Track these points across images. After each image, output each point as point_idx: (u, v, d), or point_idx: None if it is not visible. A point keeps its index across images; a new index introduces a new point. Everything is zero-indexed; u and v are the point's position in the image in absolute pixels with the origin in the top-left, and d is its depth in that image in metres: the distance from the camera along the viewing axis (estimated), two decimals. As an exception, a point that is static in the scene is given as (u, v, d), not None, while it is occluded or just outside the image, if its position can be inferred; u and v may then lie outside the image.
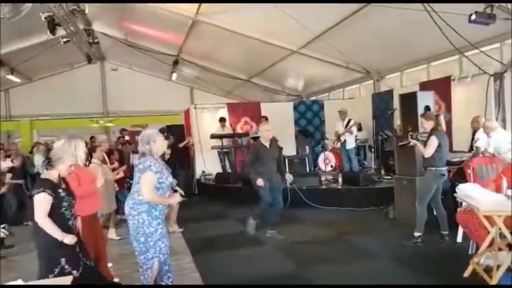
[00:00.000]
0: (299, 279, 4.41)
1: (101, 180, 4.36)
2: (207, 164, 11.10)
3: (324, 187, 8.47)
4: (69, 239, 3.10)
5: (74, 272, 3.10)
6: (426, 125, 5.26)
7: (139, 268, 3.61)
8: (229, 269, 4.87)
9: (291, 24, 7.93)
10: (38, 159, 9.14)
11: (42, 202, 3.04)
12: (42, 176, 3.20)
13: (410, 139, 5.45)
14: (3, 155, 8.96)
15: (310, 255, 5.19)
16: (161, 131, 13.60)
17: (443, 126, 6.77)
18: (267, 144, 5.87)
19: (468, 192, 4.07)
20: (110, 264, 4.85)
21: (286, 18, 7.59)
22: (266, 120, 10.24)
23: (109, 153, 7.58)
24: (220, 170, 10.75)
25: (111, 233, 6.46)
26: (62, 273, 3.03)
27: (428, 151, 5.04)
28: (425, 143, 5.15)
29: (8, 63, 12.45)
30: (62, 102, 15.32)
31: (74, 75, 15.66)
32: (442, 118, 7.00)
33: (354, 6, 7.41)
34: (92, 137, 10.10)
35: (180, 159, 10.56)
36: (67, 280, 2.70)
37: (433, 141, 5.03)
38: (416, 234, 5.14)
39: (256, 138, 8.49)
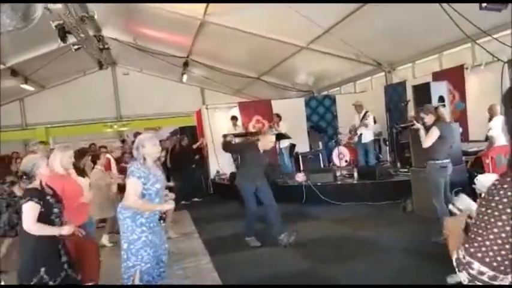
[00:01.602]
0: (316, 278, 4.39)
1: (88, 196, 4.32)
2: (221, 163, 11.13)
3: (339, 183, 8.41)
4: (66, 230, 3.14)
5: (51, 282, 3.09)
6: (427, 119, 5.04)
7: (122, 276, 3.49)
8: (247, 269, 4.88)
9: (299, 21, 7.88)
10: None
11: (30, 210, 3.05)
12: (30, 186, 3.20)
13: (414, 121, 5.24)
14: (16, 166, 9.11)
15: (328, 253, 5.16)
16: (173, 133, 13.78)
17: (446, 117, 6.63)
18: (262, 149, 5.68)
19: (488, 183, 3.98)
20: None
21: (294, 14, 7.54)
22: (279, 117, 10.23)
23: (119, 160, 7.65)
24: (234, 170, 10.77)
25: (104, 239, 6.48)
26: (41, 283, 3.05)
27: (427, 142, 4.88)
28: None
29: (21, 73, 12.67)
30: (75, 109, 15.54)
31: (86, 81, 15.86)
32: (442, 109, 6.86)
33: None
34: (92, 144, 10.17)
35: (194, 160, 10.64)
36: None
37: (434, 132, 4.85)
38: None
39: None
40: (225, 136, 10.49)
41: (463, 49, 8.44)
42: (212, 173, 11.32)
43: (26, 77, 13.18)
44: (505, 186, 1.11)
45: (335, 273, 4.41)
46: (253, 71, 13.66)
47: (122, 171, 6.99)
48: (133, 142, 11.97)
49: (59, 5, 7.13)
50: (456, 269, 1.18)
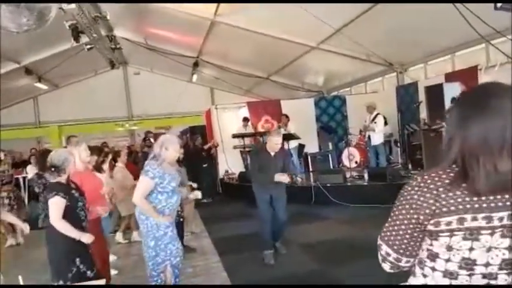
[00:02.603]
0: (326, 279, 4.38)
1: (106, 189, 4.38)
2: (230, 163, 11.17)
3: (348, 184, 8.36)
4: (86, 238, 3.18)
5: (89, 272, 3.16)
6: None
7: (149, 276, 3.56)
8: (256, 268, 4.88)
9: (309, 21, 7.86)
10: (32, 170, 9.26)
11: (56, 205, 3.10)
12: (54, 181, 3.25)
13: (444, 123, 5.19)
14: (35, 162, 9.24)
15: (337, 254, 5.14)
16: (184, 132, 13.82)
17: None
18: (272, 152, 5.05)
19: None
20: (115, 272, 4.94)
21: (305, 14, 7.53)
22: (287, 118, 10.22)
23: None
24: (243, 169, 10.80)
25: (119, 236, 6.55)
26: (78, 272, 3.10)
27: None
28: None
29: (35, 72, 12.86)
30: (88, 107, 15.73)
31: (98, 80, 16.03)
32: None
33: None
34: (103, 142, 10.28)
35: (204, 159, 10.67)
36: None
37: None
38: None
39: None
40: (234, 136, 10.55)
41: (476, 50, 8.34)
42: (221, 172, 11.36)
43: (40, 76, 13.39)
44: (411, 181, 1.29)
45: (345, 274, 4.40)
46: (262, 71, 13.67)
47: (132, 170, 7.05)
48: (144, 140, 12.11)
49: (73, 5, 7.23)
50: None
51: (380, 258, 1.36)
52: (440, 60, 9.55)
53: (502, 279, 1.19)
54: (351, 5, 7.58)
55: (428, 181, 1.22)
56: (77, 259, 3.13)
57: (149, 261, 3.50)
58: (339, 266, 4.66)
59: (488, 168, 1.13)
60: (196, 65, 13.33)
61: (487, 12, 5.75)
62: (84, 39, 9.16)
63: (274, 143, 5.00)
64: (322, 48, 10.07)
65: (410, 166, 8.84)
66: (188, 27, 10.46)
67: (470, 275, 1.19)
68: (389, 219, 1.33)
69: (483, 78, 8.00)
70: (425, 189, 1.22)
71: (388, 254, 1.32)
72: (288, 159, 5.48)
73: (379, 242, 1.36)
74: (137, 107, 16.93)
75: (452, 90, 6.45)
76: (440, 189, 1.19)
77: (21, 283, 2.38)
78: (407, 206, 1.26)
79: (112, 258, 5.29)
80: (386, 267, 1.36)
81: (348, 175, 8.75)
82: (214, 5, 8.70)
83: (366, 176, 8.38)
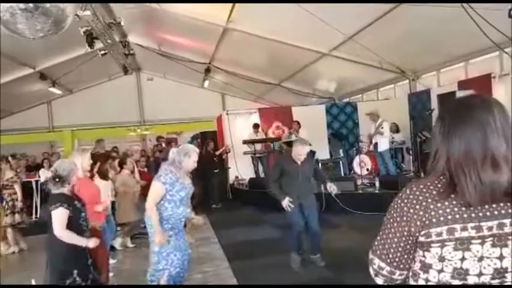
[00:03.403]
0: (336, 286, 4.35)
1: (107, 201, 4.42)
2: (240, 169, 11.17)
3: (359, 191, 8.30)
4: (92, 243, 3.21)
5: (83, 283, 3.19)
6: None
7: (148, 279, 3.57)
8: (266, 275, 4.86)
9: (322, 27, 7.86)
10: (44, 174, 9.30)
11: (60, 216, 3.12)
12: (54, 192, 3.26)
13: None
14: (48, 165, 9.37)
15: (349, 262, 5.09)
16: (195, 137, 13.88)
17: None
18: (299, 161, 4.83)
19: None
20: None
21: (317, 21, 7.54)
22: (298, 124, 10.21)
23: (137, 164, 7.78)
24: (253, 175, 10.79)
25: (128, 242, 6.59)
26: (74, 284, 3.13)
27: None
28: None
29: (50, 77, 13.06)
30: (100, 112, 15.88)
31: (111, 86, 16.21)
32: None
33: (387, 5, 7.27)
34: (114, 147, 10.36)
35: (215, 164, 10.69)
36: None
37: None
38: None
39: (289, 143, 8.38)
40: (245, 142, 10.56)
41: (490, 58, 8.25)
42: (231, 178, 11.37)
43: (54, 81, 13.58)
44: (400, 193, 1.29)
45: (355, 282, 4.35)
46: (274, 77, 13.69)
47: (141, 175, 7.10)
48: (156, 146, 12.21)
49: (88, 12, 7.34)
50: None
51: (372, 272, 1.35)
52: (453, 68, 9.46)
53: None
54: (363, 12, 7.57)
55: (417, 192, 1.24)
56: (75, 271, 3.15)
57: (151, 265, 3.52)
58: (350, 274, 4.62)
59: (474, 179, 1.15)
60: (208, 71, 13.42)
61: (501, 20, 5.70)
62: (98, 45, 9.29)
63: (299, 154, 4.77)
64: (334, 54, 10.06)
65: (422, 174, 8.74)
66: (200, 34, 10.54)
67: (463, 285, 1.20)
68: (381, 233, 1.33)
69: (497, 86, 7.92)
70: (414, 201, 1.23)
71: (381, 268, 1.31)
72: (315, 166, 5.27)
73: (371, 256, 1.35)
74: (149, 112, 17.06)
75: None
76: (429, 200, 1.21)
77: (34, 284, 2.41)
78: (398, 219, 1.27)
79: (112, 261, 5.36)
80: (379, 281, 1.35)
81: (359, 182, 8.69)
82: (227, 11, 8.75)
83: (377, 183, 8.31)
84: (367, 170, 9.87)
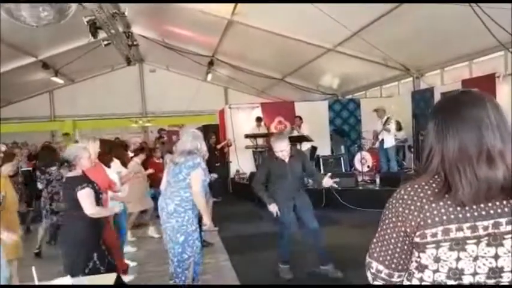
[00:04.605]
0: (336, 282, 4.35)
1: (119, 187, 4.50)
2: (241, 163, 11.17)
3: (360, 188, 8.31)
4: (118, 208, 3.56)
5: (102, 268, 3.22)
6: None
7: (173, 272, 3.58)
8: (265, 269, 4.87)
9: (326, 23, 7.82)
10: None
11: (88, 196, 3.19)
12: (71, 175, 3.31)
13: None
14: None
15: (348, 258, 5.09)
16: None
17: None
18: (285, 158, 4.42)
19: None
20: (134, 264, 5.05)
21: (322, 16, 7.49)
22: (300, 120, 10.19)
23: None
24: (254, 169, 10.79)
25: (151, 231, 6.61)
26: (94, 268, 3.18)
27: None
28: None
29: (52, 66, 13.03)
30: (102, 103, 15.87)
31: (114, 76, 16.18)
32: None
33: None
34: (116, 138, 10.38)
35: (217, 157, 10.67)
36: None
37: None
38: None
39: (290, 139, 8.32)
40: (247, 136, 10.55)
41: (495, 57, 8.21)
42: (232, 172, 11.37)
43: (57, 70, 13.55)
44: (394, 194, 1.28)
45: (356, 278, 4.36)
46: (277, 72, 13.65)
47: (152, 165, 7.08)
48: (159, 138, 12.23)
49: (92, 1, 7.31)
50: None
51: (370, 277, 1.34)
52: (457, 67, 9.42)
53: None
54: (369, 8, 7.52)
55: (412, 193, 1.23)
56: (95, 254, 3.22)
57: (174, 257, 3.52)
58: (350, 270, 4.62)
59: (470, 176, 1.15)
60: (211, 64, 13.37)
61: (507, 19, 5.66)
62: (101, 35, 9.25)
63: (279, 151, 4.35)
64: (339, 50, 10.00)
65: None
66: (205, 26, 10.49)
67: (458, 285, 1.19)
68: (377, 235, 1.32)
69: (501, 85, 7.88)
70: (409, 202, 1.22)
71: (380, 271, 1.30)
72: (306, 160, 4.82)
73: (368, 259, 1.34)
74: (151, 104, 17.05)
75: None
76: (424, 200, 1.20)
77: (34, 273, 2.40)
78: (394, 219, 1.26)
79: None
80: (378, 284, 1.34)
81: (359, 179, 8.69)
82: (232, 4, 8.70)
83: (377, 180, 8.31)
84: (368, 167, 9.88)
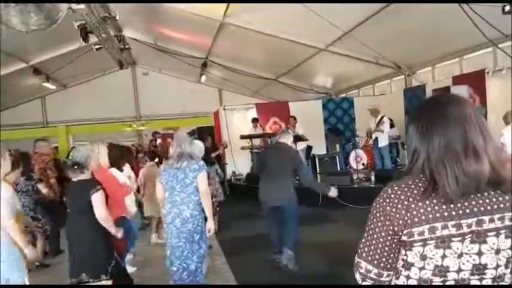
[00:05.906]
0: (333, 281, 4.36)
1: (130, 188, 4.51)
2: (237, 164, 11.17)
3: (355, 186, 8.35)
4: (120, 234, 3.36)
5: (122, 266, 3.38)
6: None
7: (195, 269, 3.68)
8: (262, 270, 4.88)
9: (318, 23, 7.85)
10: None
11: (101, 199, 3.20)
12: (81, 178, 3.29)
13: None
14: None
15: (344, 256, 5.10)
16: (191, 133, 13.87)
17: None
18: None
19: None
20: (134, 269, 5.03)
21: (314, 16, 7.52)
22: (295, 120, 10.21)
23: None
24: (250, 171, 10.79)
25: (155, 237, 6.54)
26: (116, 264, 3.25)
27: None
28: None
29: (44, 71, 12.95)
30: (95, 108, 15.81)
31: (106, 80, 16.13)
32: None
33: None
34: (110, 143, 10.35)
35: (214, 160, 10.61)
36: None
37: None
38: None
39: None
40: (242, 137, 10.54)
41: (484, 53, 8.29)
42: (228, 173, 11.36)
43: (48, 76, 13.48)
44: (381, 193, 1.29)
45: (352, 276, 4.37)
46: (271, 73, 13.68)
47: (137, 171, 7.00)
48: (151, 141, 12.16)
49: (82, 5, 7.27)
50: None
51: (359, 277, 1.36)
52: (448, 63, 9.51)
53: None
54: (360, 7, 7.57)
55: (399, 192, 1.25)
56: (115, 252, 3.31)
57: (193, 254, 3.65)
58: (346, 268, 4.60)
59: (457, 172, 1.17)
60: (204, 65, 13.36)
61: (495, 16, 5.73)
62: (92, 39, 9.21)
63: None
64: (331, 50, 10.05)
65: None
66: (197, 28, 10.49)
67: (443, 282, 1.22)
68: (365, 235, 1.33)
69: (490, 81, 7.96)
70: (396, 200, 1.24)
71: (369, 271, 1.31)
72: (309, 149, 5.39)
73: (357, 260, 1.36)
74: (145, 107, 17.01)
75: (460, 93, 6.37)
76: (411, 199, 1.22)
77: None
78: (381, 218, 1.27)
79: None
80: (367, 284, 1.35)
81: (355, 177, 8.73)
82: (224, 6, 8.70)
83: (372, 178, 8.35)
84: (363, 164, 9.92)
